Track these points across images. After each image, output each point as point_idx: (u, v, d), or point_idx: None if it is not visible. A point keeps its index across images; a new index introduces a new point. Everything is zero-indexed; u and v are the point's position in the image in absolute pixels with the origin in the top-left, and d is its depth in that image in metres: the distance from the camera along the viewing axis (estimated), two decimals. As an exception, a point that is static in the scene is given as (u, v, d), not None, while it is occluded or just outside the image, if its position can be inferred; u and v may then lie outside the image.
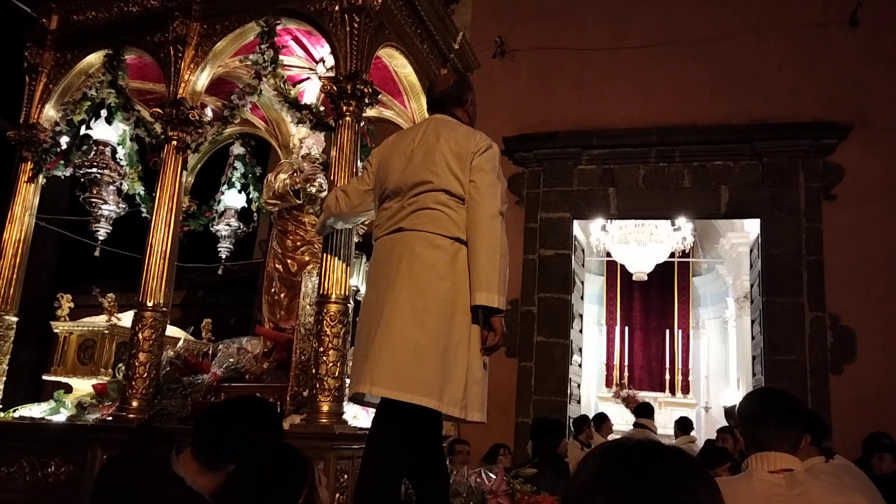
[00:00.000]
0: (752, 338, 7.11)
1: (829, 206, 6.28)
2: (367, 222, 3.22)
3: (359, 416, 3.09)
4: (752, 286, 7.32)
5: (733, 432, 5.39)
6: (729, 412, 8.61)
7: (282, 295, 3.70)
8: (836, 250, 6.15)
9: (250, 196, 4.44)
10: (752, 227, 7.42)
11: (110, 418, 3.19)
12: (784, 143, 6.41)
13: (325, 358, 2.84)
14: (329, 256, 2.96)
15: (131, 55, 3.74)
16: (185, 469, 1.80)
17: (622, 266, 9.95)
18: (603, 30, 7.13)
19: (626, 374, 10.98)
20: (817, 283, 6.15)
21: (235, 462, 1.78)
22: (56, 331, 3.90)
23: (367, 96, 3.14)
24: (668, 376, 10.90)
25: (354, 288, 3.23)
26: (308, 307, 3.20)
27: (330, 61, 3.54)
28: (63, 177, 3.94)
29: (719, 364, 11.04)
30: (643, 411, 7.16)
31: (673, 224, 8.72)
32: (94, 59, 3.79)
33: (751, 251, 7.34)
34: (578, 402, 7.54)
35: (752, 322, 7.14)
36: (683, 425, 7.17)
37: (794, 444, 1.93)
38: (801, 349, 6.05)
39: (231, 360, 3.46)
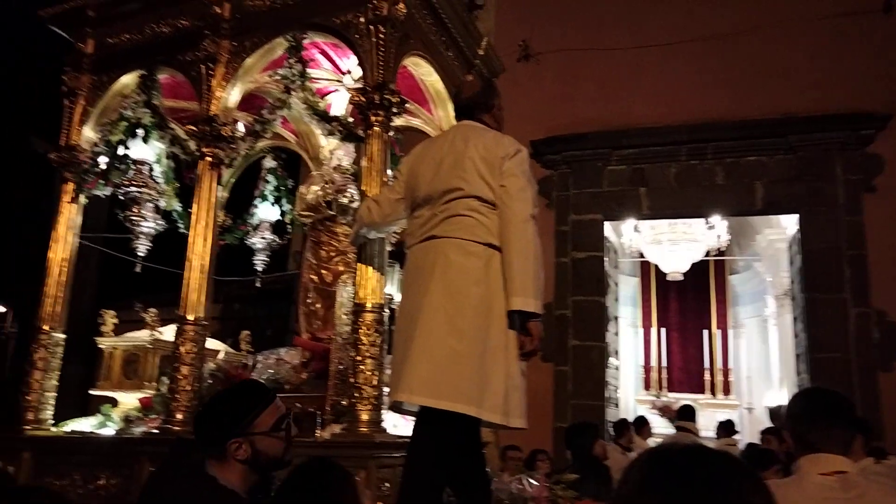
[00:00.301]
0: (795, 336, 6.93)
1: (870, 199, 6.11)
2: (399, 230, 3.24)
3: (398, 425, 3.09)
4: (792, 283, 7.15)
5: (779, 433, 5.25)
6: (774, 413, 8.41)
7: (318, 305, 3.74)
8: (879, 244, 5.97)
9: (283, 208, 4.50)
10: (789, 223, 7.26)
11: (156, 431, 3.26)
12: (820, 136, 6.26)
13: (362, 367, 2.86)
14: (363, 266, 2.99)
15: (164, 75, 3.83)
16: (213, 469, 1.84)
17: (656, 266, 9.81)
18: (627, 29, 7.06)
19: (664, 376, 10.81)
20: (861, 278, 5.97)
21: (229, 439, 1.80)
22: (101, 346, 4.00)
23: (395, 105, 3.16)
24: (708, 377, 10.69)
25: (389, 296, 3.25)
26: (344, 316, 3.23)
27: (357, 72, 3.57)
28: (103, 196, 4.05)
29: (761, 363, 10.79)
30: (685, 414, 7.04)
31: (707, 222, 8.57)
32: (129, 79, 3.89)
33: (789, 247, 7.17)
34: (616, 405, 7.45)
35: (794, 320, 6.97)
36: (727, 427, 7.02)
37: (845, 445, 1.87)
38: (846, 347, 5.88)
39: (270, 371, 3.50)
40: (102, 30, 4.00)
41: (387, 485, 2.74)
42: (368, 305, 2.93)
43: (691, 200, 6.71)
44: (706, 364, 10.73)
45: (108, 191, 3.97)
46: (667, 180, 6.72)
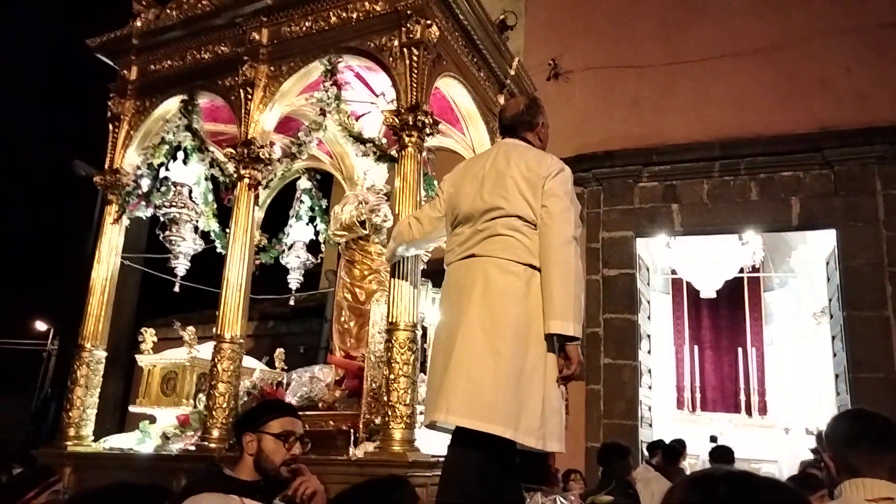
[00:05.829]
0: (834, 355, 6.75)
1: (911, 214, 5.98)
2: (431, 249, 3.26)
3: (431, 443, 3.09)
4: (830, 300, 6.98)
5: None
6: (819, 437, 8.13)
7: (351, 323, 3.79)
8: (922, 259, 5.81)
9: (317, 228, 4.57)
10: (826, 239, 7.10)
11: (193, 448, 3.31)
12: (857, 150, 6.14)
13: (395, 385, 2.88)
14: (397, 284, 3.01)
15: (204, 99, 3.95)
16: (228, 471, 2.08)
17: (689, 283, 9.66)
18: (658, 45, 7.04)
19: (697, 395, 10.60)
20: (903, 294, 5.82)
21: (244, 432, 2.08)
22: (141, 364, 4.09)
23: (428, 126, 3.21)
24: (743, 397, 10.44)
25: (422, 315, 3.27)
26: (377, 335, 3.26)
27: (390, 94, 3.64)
28: (144, 217, 4.16)
29: (798, 383, 10.51)
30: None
31: (741, 238, 8.43)
32: (171, 104, 4.01)
33: (827, 264, 7.02)
34: (650, 425, 7.32)
35: (833, 338, 6.79)
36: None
37: (891, 470, 1.82)
38: (890, 366, 5.71)
39: (304, 388, 3.55)
40: (145, 57, 4.14)
41: (421, 504, 2.74)
42: (401, 324, 2.95)
43: (725, 217, 6.62)
44: (741, 383, 10.49)
45: (149, 212, 4.08)
46: (699, 197, 6.64)
